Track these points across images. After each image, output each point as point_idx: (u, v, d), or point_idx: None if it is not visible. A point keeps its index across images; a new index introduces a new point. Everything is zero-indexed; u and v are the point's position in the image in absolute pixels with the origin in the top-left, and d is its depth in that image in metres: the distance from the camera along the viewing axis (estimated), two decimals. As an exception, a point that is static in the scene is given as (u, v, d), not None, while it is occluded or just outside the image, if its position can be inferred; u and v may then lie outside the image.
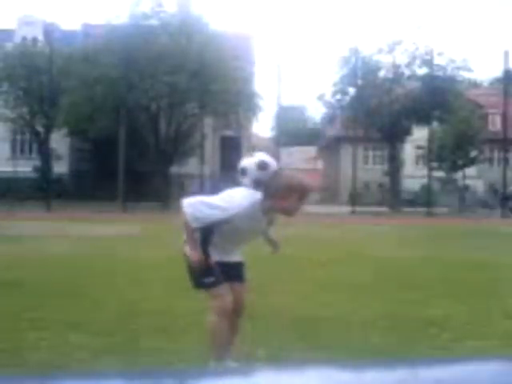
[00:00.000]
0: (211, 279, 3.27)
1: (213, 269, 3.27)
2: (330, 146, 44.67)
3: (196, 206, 3.11)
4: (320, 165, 43.72)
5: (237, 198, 3.16)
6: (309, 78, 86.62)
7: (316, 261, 8.61)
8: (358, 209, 26.28)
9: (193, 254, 3.21)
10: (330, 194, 40.80)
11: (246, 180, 3.27)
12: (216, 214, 3.10)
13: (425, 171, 28.74)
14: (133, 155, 28.55)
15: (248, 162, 3.31)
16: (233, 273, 3.43)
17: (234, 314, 3.47)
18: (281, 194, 3.12)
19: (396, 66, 30.84)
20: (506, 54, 26.65)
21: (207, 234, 3.26)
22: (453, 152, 33.23)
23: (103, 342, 4.00)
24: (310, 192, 3.29)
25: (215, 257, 3.31)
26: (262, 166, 3.25)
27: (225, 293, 3.31)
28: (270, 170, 3.25)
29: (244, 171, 3.29)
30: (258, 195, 3.17)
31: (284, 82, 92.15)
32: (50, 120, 29.91)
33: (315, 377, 0.99)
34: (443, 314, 5.10)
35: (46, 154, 32.07)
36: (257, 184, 3.22)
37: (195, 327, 4.30)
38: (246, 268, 3.54)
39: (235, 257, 3.46)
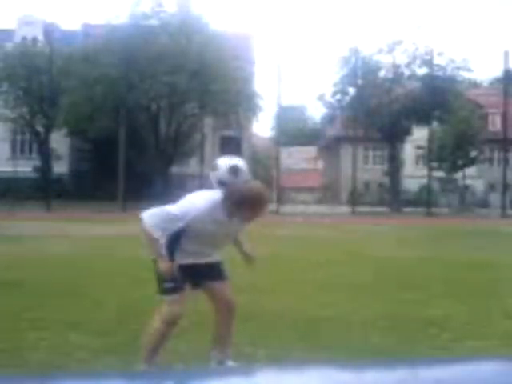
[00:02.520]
0: (170, 285, 3.24)
1: (175, 275, 3.23)
2: (330, 146, 44.66)
3: (154, 217, 3.13)
4: (320, 165, 43.72)
5: (195, 202, 3.19)
6: (309, 78, 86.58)
7: (316, 261, 8.61)
8: (357, 209, 26.28)
9: (161, 263, 3.19)
10: (329, 194, 40.80)
11: (213, 175, 3.29)
12: (174, 223, 3.14)
13: (425, 171, 28.72)
14: (133, 155, 28.54)
15: (223, 161, 3.32)
16: (211, 273, 3.41)
17: (227, 312, 3.46)
18: (236, 206, 3.15)
19: (396, 66, 30.83)
20: (506, 54, 26.64)
21: (174, 239, 3.25)
22: (453, 152, 33.23)
23: (103, 342, 4.00)
24: (266, 205, 3.27)
25: (188, 260, 3.28)
26: (233, 170, 3.25)
27: (179, 301, 3.28)
28: (239, 177, 3.24)
29: (215, 167, 3.30)
30: (218, 195, 3.20)
31: (284, 82, 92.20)
32: (50, 120, 29.90)
33: (315, 377, 0.99)
34: (443, 313, 5.10)
35: (46, 154, 32.06)
36: (221, 184, 3.23)
37: (195, 327, 4.30)
38: (224, 266, 3.50)
39: (211, 258, 3.42)
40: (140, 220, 3.17)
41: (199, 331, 4.12)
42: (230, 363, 3.51)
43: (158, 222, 3.12)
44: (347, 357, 3.68)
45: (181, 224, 3.14)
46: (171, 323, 3.31)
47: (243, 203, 3.13)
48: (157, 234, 3.13)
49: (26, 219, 16.99)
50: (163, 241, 3.21)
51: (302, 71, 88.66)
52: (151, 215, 3.14)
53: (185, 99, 26.66)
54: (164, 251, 3.21)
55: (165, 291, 3.26)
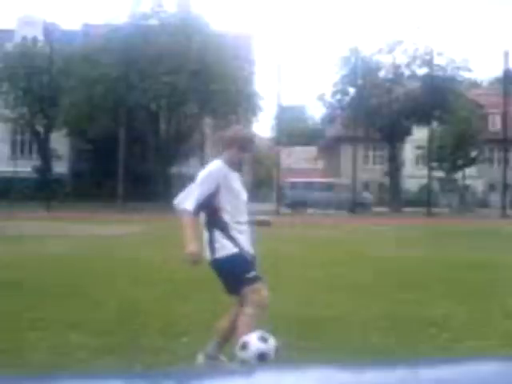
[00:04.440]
0: (253, 274, 3.39)
1: (251, 262, 3.43)
2: (330, 146, 44.63)
3: (188, 194, 3.40)
4: (320, 165, 43.69)
5: (210, 166, 3.53)
6: (309, 78, 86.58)
7: (316, 261, 8.61)
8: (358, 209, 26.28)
9: (190, 246, 3.29)
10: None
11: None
12: (209, 186, 3.40)
13: (425, 171, 28.73)
14: (133, 155, 28.53)
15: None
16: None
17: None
18: (227, 148, 3.54)
19: (396, 66, 30.83)
20: (506, 54, 26.67)
21: (216, 215, 3.41)
22: (453, 152, 33.22)
23: (103, 342, 4.00)
24: (251, 141, 3.65)
25: (238, 235, 3.43)
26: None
27: (262, 287, 3.42)
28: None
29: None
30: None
31: (284, 81, 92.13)
32: (50, 120, 29.89)
33: (315, 377, 0.99)
34: (443, 313, 5.10)
35: (46, 154, 32.06)
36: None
37: (195, 327, 4.30)
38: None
39: (248, 241, 3.53)
40: (176, 209, 3.41)
41: (199, 331, 4.12)
42: (223, 358, 3.52)
43: (193, 200, 3.35)
44: (347, 357, 3.68)
45: (213, 186, 3.39)
46: (263, 307, 3.41)
47: (232, 143, 3.52)
48: (192, 206, 3.33)
49: (25, 219, 16.99)
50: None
51: (302, 71, 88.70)
52: (184, 196, 3.40)
53: (185, 99, 26.62)
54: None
55: (250, 280, 3.36)
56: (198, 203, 3.36)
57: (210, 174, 3.46)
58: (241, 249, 3.41)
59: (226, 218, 3.44)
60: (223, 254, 3.38)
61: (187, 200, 3.36)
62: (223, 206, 3.44)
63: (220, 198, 3.44)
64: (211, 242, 3.41)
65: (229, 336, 3.53)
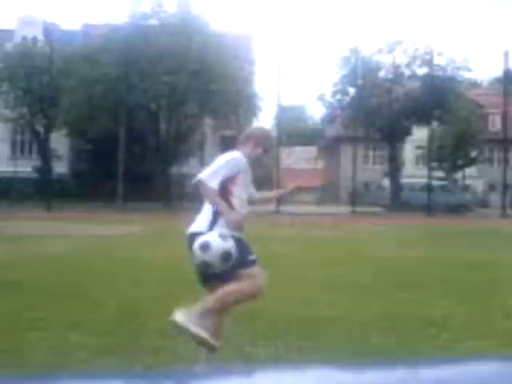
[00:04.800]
0: (253, 257, 3.36)
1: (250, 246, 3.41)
2: (330, 146, 44.64)
3: (213, 175, 3.33)
4: (320, 165, 43.68)
5: (232, 154, 3.51)
6: (309, 78, 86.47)
7: (316, 261, 8.61)
8: (357, 209, 26.27)
9: (231, 215, 3.28)
10: (329, 194, 40.78)
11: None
12: (232, 169, 3.38)
13: (425, 171, 28.72)
14: (133, 155, 28.53)
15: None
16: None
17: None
18: (244, 142, 3.58)
19: (396, 66, 30.82)
20: (506, 54, 26.65)
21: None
22: (453, 152, 33.23)
23: (103, 342, 4.00)
24: (268, 138, 3.68)
25: (242, 210, 3.43)
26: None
27: (260, 274, 3.37)
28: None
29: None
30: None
31: (284, 82, 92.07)
32: (50, 120, 29.88)
33: (315, 377, 0.99)
34: (443, 313, 5.10)
35: (46, 154, 32.05)
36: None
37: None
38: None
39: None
40: (199, 183, 3.31)
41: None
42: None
43: (217, 180, 3.31)
44: (347, 357, 3.68)
45: (235, 169, 3.39)
46: (254, 296, 3.36)
47: (248, 140, 3.57)
48: (214, 184, 3.30)
49: (26, 219, 16.98)
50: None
51: (302, 71, 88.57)
52: (210, 175, 3.31)
53: (185, 99, 26.60)
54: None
55: (251, 263, 3.32)
56: (220, 183, 3.35)
57: (233, 159, 3.44)
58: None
59: (235, 203, 3.41)
60: (225, 231, 3.32)
61: (211, 178, 3.32)
62: (235, 193, 3.42)
63: (236, 185, 3.41)
64: (216, 214, 3.33)
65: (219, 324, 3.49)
